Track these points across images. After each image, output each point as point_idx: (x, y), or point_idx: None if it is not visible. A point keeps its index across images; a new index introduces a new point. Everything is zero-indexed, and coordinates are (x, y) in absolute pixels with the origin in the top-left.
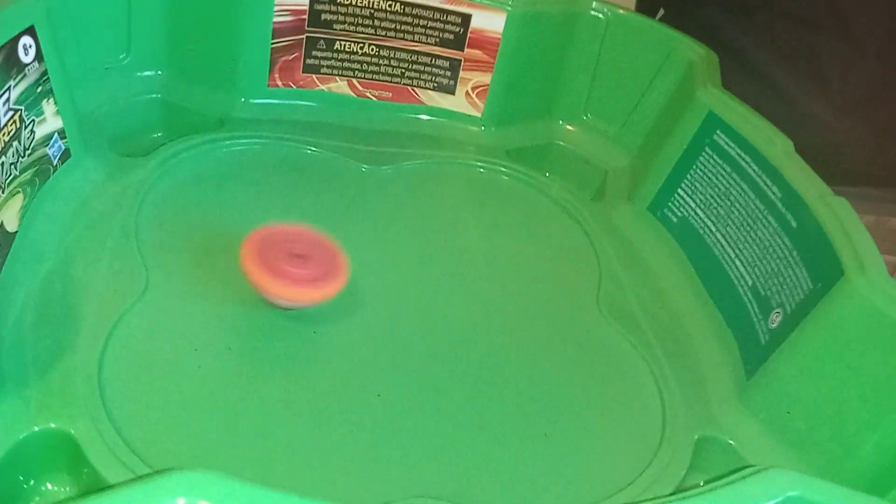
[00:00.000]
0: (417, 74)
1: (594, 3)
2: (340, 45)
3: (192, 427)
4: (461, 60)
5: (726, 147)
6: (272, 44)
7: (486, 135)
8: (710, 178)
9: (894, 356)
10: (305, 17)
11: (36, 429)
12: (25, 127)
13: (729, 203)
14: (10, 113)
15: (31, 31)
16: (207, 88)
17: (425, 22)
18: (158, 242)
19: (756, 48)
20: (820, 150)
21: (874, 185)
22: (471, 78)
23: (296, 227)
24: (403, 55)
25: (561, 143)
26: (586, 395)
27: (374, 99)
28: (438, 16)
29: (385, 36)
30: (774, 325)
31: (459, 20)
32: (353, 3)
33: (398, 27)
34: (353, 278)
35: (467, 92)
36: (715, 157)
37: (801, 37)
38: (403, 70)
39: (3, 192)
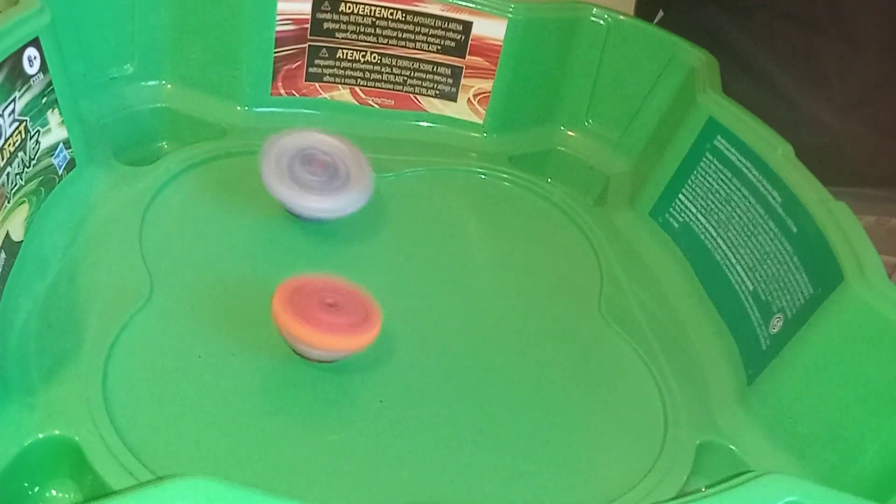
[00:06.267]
0: (419, 82)
1: (594, 9)
2: (343, 53)
3: (195, 434)
4: (463, 68)
5: (727, 152)
6: (275, 52)
7: (488, 141)
8: (710, 184)
9: (895, 360)
10: (308, 25)
11: (40, 436)
12: (31, 137)
13: (730, 208)
14: (16, 124)
15: (35, 43)
16: (211, 97)
17: (427, 30)
18: (162, 251)
19: (756, 48)
20: (820, 151)
21: (874, 185)
22: (472, 85)
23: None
24: (405, 63)
25: (562, 148)
26: (588, 400)
27: (376, 107)
28: (440, 23)
29: (387, 44)
30: (775, 330)
31: (461, 28)
32: (356, 11)
33: (400, 35)
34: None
35: (469, 99)
36: (716, 162)
37: (801, 37)
38: (405, 78)
39: (8, 202)
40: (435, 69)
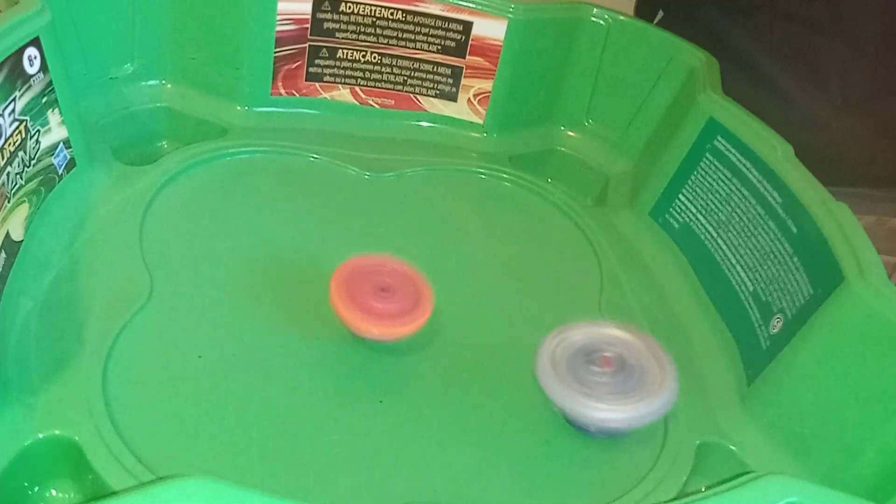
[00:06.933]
0: (419, 82)
1: (595, 9)
2: (343, 53)
3: (195, 434)
4: (463, 68)
5: (727, 153)
6: (275, 52)
7: (488, 141)
8: (710, 184)
9: (895, 361)
10: (308, 25)
11: (41, 436)
12: (31, 137)
13: (730, 208)
14: (16, 123)
15: (35, 43)
16: (211, 97)
17: (427, 30)
18: (163, 250)
19: (755, 48)
20: (820, 151)
21: (874, 185)
22: (472, 85)
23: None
24: (405, 63)
25: (563, 149)
26: None
27: (376, 107)
28: (440, 23)
29: (387, 44)
30: (775, 330)
31: (461, 28)
32: (356, 11)
33: (400, 35)
34: None
35: (469, 99)
36: (716, 162)
37: (801, 37)
38: (405, 78)
39: (9, 202)
40: (435, 69)
